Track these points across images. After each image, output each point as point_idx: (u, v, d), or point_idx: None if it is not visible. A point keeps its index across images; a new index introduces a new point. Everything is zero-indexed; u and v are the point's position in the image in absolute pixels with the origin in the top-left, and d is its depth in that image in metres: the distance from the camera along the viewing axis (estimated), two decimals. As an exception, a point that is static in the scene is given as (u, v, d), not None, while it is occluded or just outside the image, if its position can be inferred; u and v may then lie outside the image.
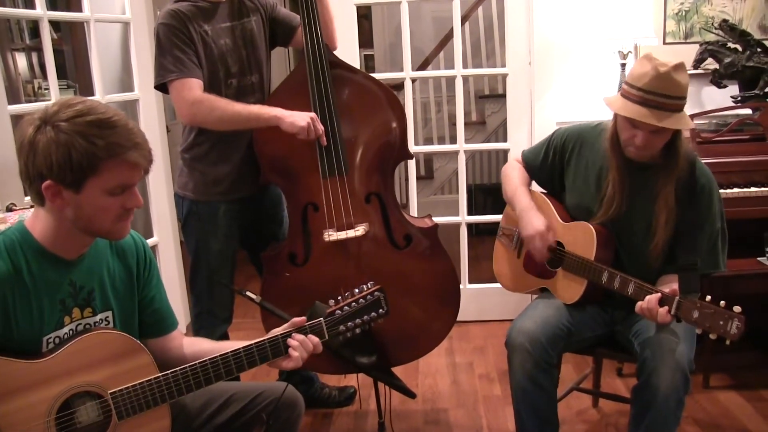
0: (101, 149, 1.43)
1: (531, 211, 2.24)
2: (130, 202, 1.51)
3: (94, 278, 1.61)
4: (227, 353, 1.61)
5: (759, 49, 3.17)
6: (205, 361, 1.59)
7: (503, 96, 4.53)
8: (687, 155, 2.07)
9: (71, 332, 1.57)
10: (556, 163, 2.32)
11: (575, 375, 3.00)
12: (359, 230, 2.38)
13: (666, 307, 1.88)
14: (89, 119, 1.44)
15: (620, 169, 2.10)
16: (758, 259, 2.89)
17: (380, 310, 1.74)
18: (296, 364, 1.64)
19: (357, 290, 1.75)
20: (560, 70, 3.43)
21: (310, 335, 1.67)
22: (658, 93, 1.92)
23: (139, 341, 1.60)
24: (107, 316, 1.64)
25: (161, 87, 2.33)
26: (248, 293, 1.85)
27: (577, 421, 2.73)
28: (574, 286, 2.16)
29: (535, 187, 2.44)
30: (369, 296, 1.73)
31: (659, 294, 1.90)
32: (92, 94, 3.20)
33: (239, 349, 1.62)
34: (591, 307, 2.19)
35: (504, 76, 3.59)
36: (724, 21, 3.24)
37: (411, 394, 2.51)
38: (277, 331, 1.69)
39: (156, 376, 1.57)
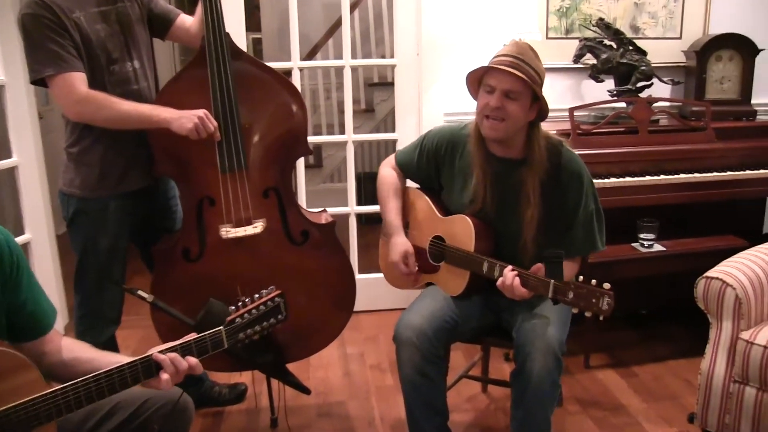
0: None
1: (395, 235, 2.36)
2: None
3: None
4: (100, 375, 1.56)
5: (631, 47, 3.44)
6: (78, 383, 1.54)
7: (393, 84, 4.65)
8: (551, 146, 2.20)
9: None
10: (431, 166, 2.41)
11: (465, 362, 3.16)
12: (257, 227, 2.40)
13: (518, 280, 2.03)
14: None
15: (484, 166, 2.23)
16: (632, 245, 3.15)
17: (279, 316, 1.77)
18: (167, 386, 1.62)
19: (257, 296, 1.77)
20: (447, 62, 3.56)
21: (187, 357, 1.65)
22: (514, 55, 2.10)
23: (24, 356, 1.53)
24: None
25: (39, 81, 2.24)
26: (140, 292, 1.86)
27: (468, 407, 2.88)
28: (458, 279, 2.26)
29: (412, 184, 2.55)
30: (269, 302, 1.76)
31: (515, 272, 2.04)
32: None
33: (113, 370, 1.57)
34: (477, 296, 2.31)
35: (392, 66, 3.69)
36: (601, 19, 3.48)
37: (305, 390, 2.58)
38: (167, 345, 1.66)
39: (41, 394, 1.51)
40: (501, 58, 2.11)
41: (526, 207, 2.17)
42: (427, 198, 2.41)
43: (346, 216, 3.75)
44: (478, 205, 2.24)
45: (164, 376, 1.61)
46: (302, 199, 3.67)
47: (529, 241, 2.18)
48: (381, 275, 2.59)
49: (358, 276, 3.76)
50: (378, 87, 5.91)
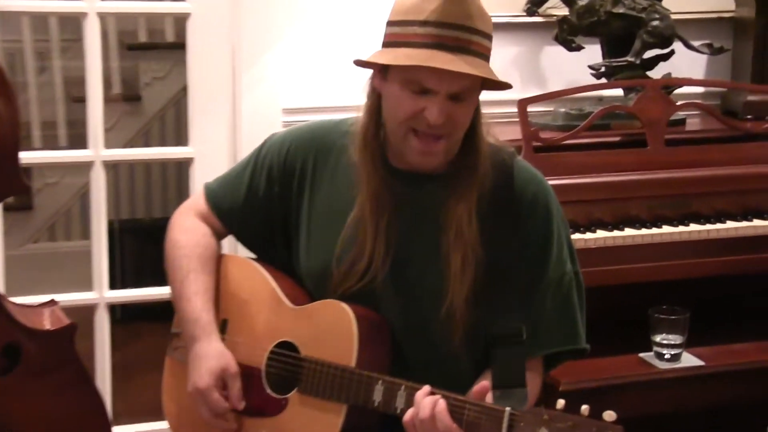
0: None
1: (201, 339, 2.39)
2: None
3: None
4: None
5: (633, -13, 3.68)
6: None
7: (177, 48, 4.72)
8: (496, 157, 2.34)
9: None
10: (274, 199, 2.48)
11: None
12: None
13: (444, 404, 2.07)
14: None
15: (376, 187, 2.32)
16: (641, 355, 3.32)
17: None
18: None
19: None
20: (294, 10, 3.70)
21: None
22: (457, 24, 2.15)
23: None
24: None
25: None
26: None
27: None
28: (323, 421, 2.31)
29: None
30: None
31: (437, 396, 2.08)
32: None
33: None
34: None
35: (181, 18, 3.80)
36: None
37: None
38: None
39: None
40: (434, 30, 2.16)
41: (454, 247, 2.28)
42: (264, 273, 2.48)
43: (89, 309, 3.78)
44: (364, 259, 2.33)
45: None
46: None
47: (459, 306, 2.28)
48: (163, 424, 2.60)
49: (116, 430, 3.75)
50: (148, 53, 6.02)
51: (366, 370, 2.25)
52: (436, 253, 2.30)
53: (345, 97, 3.46)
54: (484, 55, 2.20)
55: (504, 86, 2.25)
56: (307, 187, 2.44)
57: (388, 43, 2.22)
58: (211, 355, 2.36)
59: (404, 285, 2.35)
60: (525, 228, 2.32)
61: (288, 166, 2.45)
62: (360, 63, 2.27)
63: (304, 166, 2.44)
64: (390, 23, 2.22)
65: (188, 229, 2.54)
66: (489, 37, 2.21)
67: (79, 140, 3.78)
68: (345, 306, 2.30)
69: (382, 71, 2.24)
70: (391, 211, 2.32)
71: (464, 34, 2.15)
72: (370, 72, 2.32)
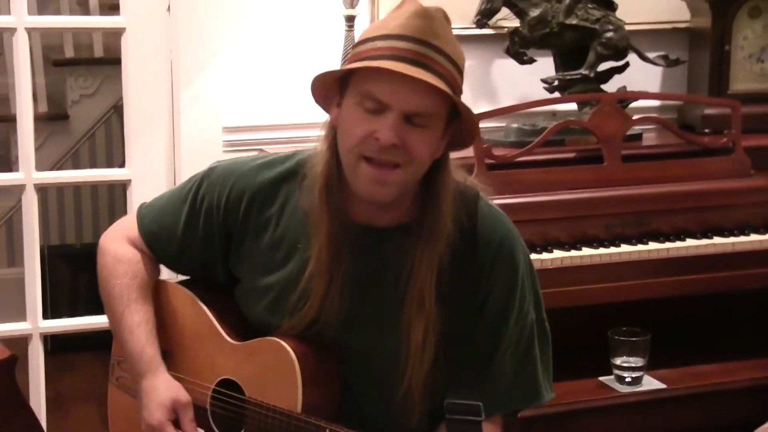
0: None
1: (149, 374, 2.33)
2: None
3: None
4: None
5: (586, -4, 3.66)
6: None
7: (107, 63, 4.69)
8: (462, 200, 2.25)
9: None
10: (213, 236, 2.38)
11: None
12: None
13: None
14: None
15: (333, 239, 2.21)
16: (601, 379, 3.30)
17: None
18: None
19: None
20: (234, 24, 3.66)
21: None
22: (418, 39, 2.05)
23: None
24: None
25: None
26: None
27: None
28: None
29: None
30: None
31: None
32: None
33: None
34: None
35: (111, 32, 3.77)
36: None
37: None
38: None
39: None
40: (394, 42, 2.09)
41: (416, 316, 2.20)
42: (203, 307, 2.42)
43: (20, 341, 3.71)
44: (309, 314, 2.25)
45: None
46: None
47: (418, 383, 2.20)
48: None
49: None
50: (75, 69, 5.94)
51: (313, 415, 2.17)
52: (395, 323, 2.21)
53: (288, 114, 3.43)
54: (450, 82, 2.06)
55: (460, 108, 2.13)
56: (251, 230, 2.33)
57: (352, 59, 2.12)
58: (159, 389, 2.30)
59: (359, 350, 2.27)
60: (488, 281, 2.23)
61: (230, 208, 2.33)
62: (317, 84, 2.17)
63: (249, 207, 2.32)
64: (361, 40, 2.14)
65: (123, 259, 2.44)
66: (456, 66, 2.09)
67: (5, 164, 3.67)
68: (286, 345, 2.21)
69: (338, 100, 2.15)
70: (347, 264, 2.21)
71: (426, 49, 2.05)
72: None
